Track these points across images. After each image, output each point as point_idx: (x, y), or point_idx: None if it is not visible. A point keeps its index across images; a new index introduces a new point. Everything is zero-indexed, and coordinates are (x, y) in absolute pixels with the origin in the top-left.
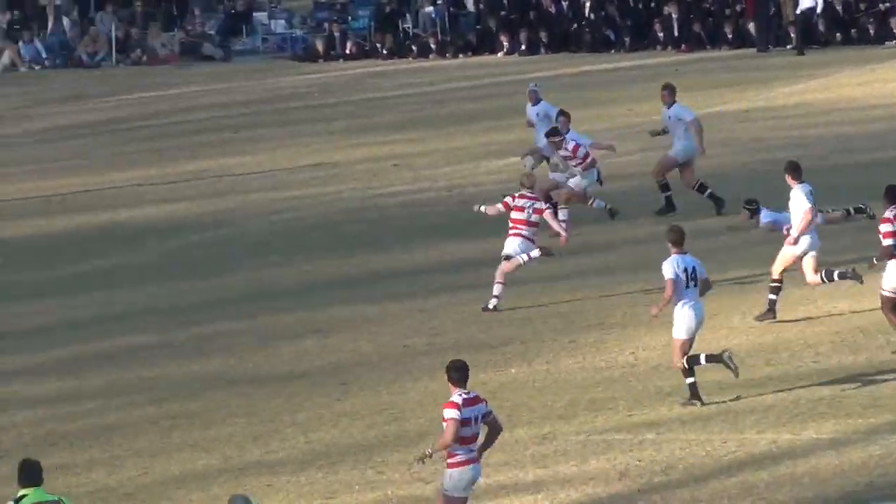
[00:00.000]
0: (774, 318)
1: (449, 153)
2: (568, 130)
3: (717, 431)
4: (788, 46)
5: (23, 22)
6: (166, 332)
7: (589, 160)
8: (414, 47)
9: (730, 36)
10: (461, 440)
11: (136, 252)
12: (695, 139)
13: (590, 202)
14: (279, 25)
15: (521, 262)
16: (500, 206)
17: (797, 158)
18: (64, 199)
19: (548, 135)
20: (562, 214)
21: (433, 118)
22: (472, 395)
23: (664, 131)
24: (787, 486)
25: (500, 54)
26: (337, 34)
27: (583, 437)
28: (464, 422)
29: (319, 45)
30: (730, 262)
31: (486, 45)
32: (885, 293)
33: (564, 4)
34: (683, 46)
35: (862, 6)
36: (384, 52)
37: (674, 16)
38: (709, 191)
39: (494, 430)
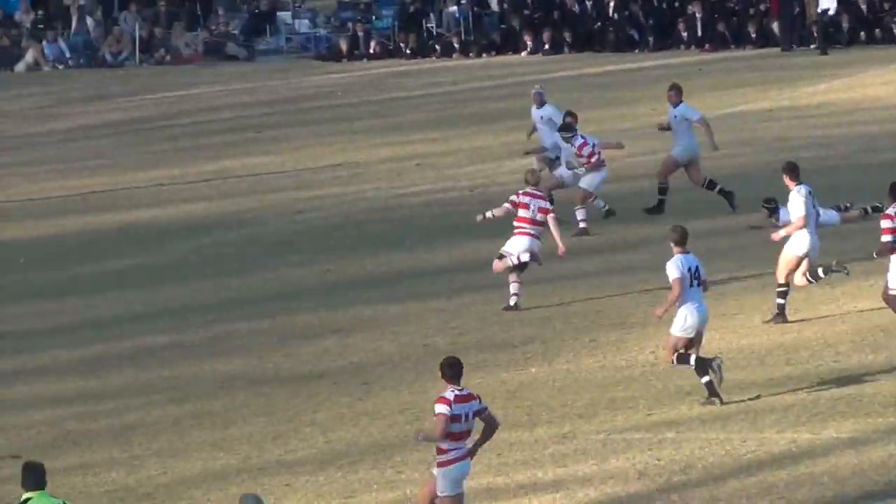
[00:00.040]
0: (785, 321)
1: (472, 153)
2: (575, 131)
3: (736, 431)
4: (812, 46)
5: (47, 21)
6: (187, 332)
7: (594, 160)
8: (437, 47)
9: (754, 35)
10: (451, 436)
11: (158, 252)
12: (706, 137)
13: (590, 200)
14: (303, 25)
15: (511, 263)
16: (507, 205)
17: (821, 158)
18: (86, 198)
19: (561, 129)
20: (580, 214)
21: (456, 118)
22: (464, 392)
23: (668, 128)
24: (806, 485)
25: (523, 54)
26: (361, 34)
27: (602, 437)
28: (454, 418)
29: (343, 45)
30: (751, 261)
31: (510, 44)
32: (894, 292)
33: (588, 4)
34: (707, 46)
35: (886, 6)
36: (408, 51)
37: (698, 15)
38: (718, 187)
39: (490, 426)
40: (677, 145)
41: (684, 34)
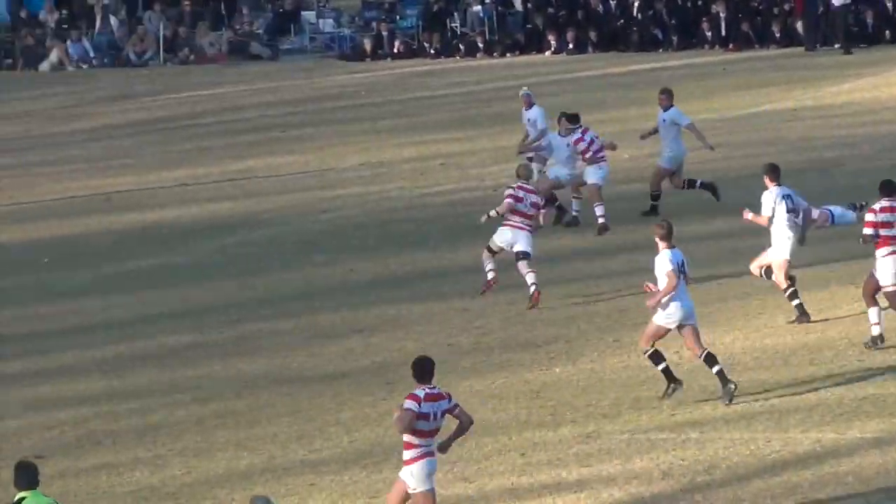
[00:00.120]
0: (808, 319)
1: (496, 152)
2: (571, 131)
3: (760, 430)
4: (836, 45)
5: (71, 21)
6: (210, 332)
7: (588, 156)
8: (461, 46)
9: (777, 35)
10: (419, 433)
11: (182, 251)
12: (699, 140)
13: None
14: (327, 24)
15: (496, 251)
16: (508, 200)
17: (845, 158)
18: (111, 198)
19: (568, 118)
20: (598, 210)
21: (480, 117)
22: (435, 391)
23: (654, 131)
24: (830, 485)
25: (547, 53)
26: (385, 33)
27: (627, 436)
28: (422, 416)
29: (367, 45)
30: None
31: (534, 43)
32: (890, 288)
33: (612, 3)
34: (731, 45)
35: None
36: (432, 51)
37: (721, 15)
38: (698, 182)
39: (463, 423)
40: (665, 152)
41: (708, 34)
